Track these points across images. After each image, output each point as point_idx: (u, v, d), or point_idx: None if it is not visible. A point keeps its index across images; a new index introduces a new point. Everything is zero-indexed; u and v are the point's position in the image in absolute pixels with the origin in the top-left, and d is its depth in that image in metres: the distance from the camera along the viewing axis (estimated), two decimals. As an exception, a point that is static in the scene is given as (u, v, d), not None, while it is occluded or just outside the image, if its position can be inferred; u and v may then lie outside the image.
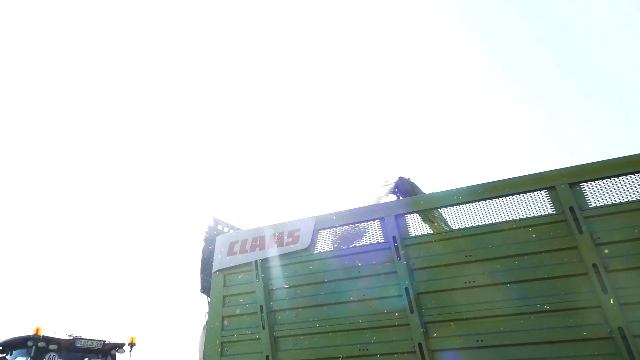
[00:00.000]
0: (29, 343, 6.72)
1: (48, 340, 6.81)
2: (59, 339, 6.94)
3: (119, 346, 7.72)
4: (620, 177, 3.71)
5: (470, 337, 3.79)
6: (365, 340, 4.16)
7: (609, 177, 3.74)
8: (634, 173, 3.68)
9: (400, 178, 7.57)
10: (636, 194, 3.64)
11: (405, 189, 7.58)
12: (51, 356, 6.88)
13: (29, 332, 6.77)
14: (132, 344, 7.89)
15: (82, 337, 7.24)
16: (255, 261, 4.93)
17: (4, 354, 7.09)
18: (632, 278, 3.44)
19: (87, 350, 7.30)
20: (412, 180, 7.74)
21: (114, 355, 7.74)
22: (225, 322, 4.94)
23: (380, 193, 7.32)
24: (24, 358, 6.76)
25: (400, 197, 7.50)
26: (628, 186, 3.68)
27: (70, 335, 7.14)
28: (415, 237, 4.29)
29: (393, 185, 7.41)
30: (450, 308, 3.93)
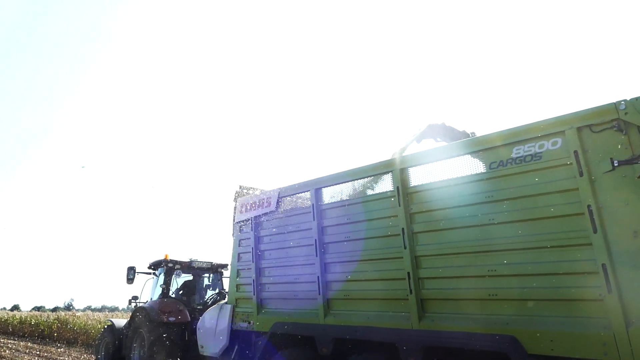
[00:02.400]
0: (162, 264, 10.38)
1: (174, 262, 10.37)
2: (180, 261, 10.46)
3: (224, 266, 11.04)
4: (430, 164, 5.03)
5: (346, 273, 5.68)
6: (297, 272, 6.32)
7: (425, 164, 5.08)
8: (438, 161, 4.97)
9: (429, 125, 8.36)
10: (439, 176, 4.95)
11: (437, 133, 8.49)
12: (177, 272, 10.47)
13: (162, 257, 10.41)
14: (233, 265, 11.14)
15: (197, 259, 10.67)
16: (251, 217, 7.31)
17: (154, 270, 10.94)
18: (425, 238, 4.91)
19: (201, 269, 10.75)
20: (447, 124, 8.46)
21: (222, 273, 11.11)
22: (240, 257, 7.51)
23: (406, 143, 8.47)
24: (162, 274, 10.48)
25: (439, 140, 8.53)
26: (437, 170, 5.00)
27: (189, 259, 10.62)
28: (325, 204, 6.14)
29: (419, 134, 8.49)
30: (338, 254, 5.82)
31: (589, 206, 3.74)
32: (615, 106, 3.72)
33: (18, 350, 18.08)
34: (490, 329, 4.18)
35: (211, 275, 11.04)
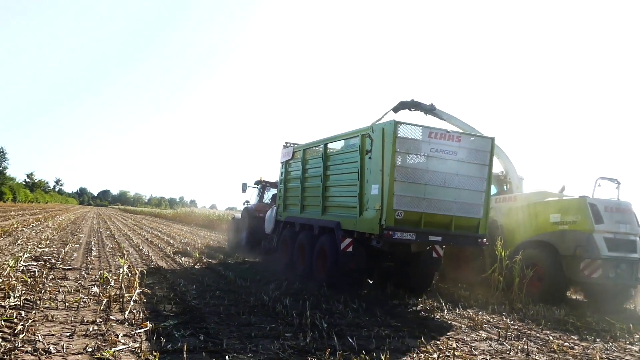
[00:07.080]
0: (259, 182, 16.99)
1: (266, 182, 16.89)
2: (270, 181, 16.89)
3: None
4: (339, 141, 10.32)
5: (309, 193, 11.39)
6: (294, 192, 12.17)
7: (335, 141, 10.38)
8: (343, 140, 10.24)
9: (400, 102, 13.12)
10: (334, 149, 10.26)
11: (409, 107, 13.04)
12: (268, 187, 17.02)
13: (258, 178, 17.00)
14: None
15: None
16: (283, 161, 13.20)
17: (257, 186, 17.64)
18: (328, 178, 10.32)
19: (272, 185, 17.08)
20: (416, 100, 13.08)
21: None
22: (281, 181, 13.52)
23: (383, 113, 13.21)
24: (259, 188, 17.14)
25: (412, 110, 13.27)
26: (343, 145, 10.31)
27: (276, 180, 17.00)
28: (306, 159, 11.73)
29: (393, 107, 13.12)
30: (309, 183, 11.49)
31: (359, 169, 8.89)
32: (370, 127, 8.70)
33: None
34: (335, 218, 9.66)
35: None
